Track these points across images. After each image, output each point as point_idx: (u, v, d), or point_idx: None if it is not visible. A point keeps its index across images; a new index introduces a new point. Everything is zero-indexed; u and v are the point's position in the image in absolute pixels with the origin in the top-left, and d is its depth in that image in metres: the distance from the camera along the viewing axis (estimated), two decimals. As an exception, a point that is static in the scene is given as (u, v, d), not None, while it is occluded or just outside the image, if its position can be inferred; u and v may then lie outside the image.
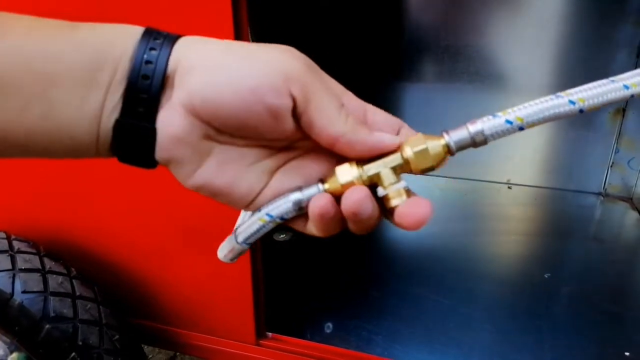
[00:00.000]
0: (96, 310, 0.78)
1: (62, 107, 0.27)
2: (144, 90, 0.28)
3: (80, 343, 0.74)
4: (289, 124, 0.29)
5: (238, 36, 0.65)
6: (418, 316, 0.96)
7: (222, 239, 0.82)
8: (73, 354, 0.73)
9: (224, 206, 0.68)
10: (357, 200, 0.28)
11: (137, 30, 0.28)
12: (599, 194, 1.46)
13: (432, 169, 0.31)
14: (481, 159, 1.51)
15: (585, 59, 1.34)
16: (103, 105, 0.28)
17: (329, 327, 0.93)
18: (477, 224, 1.33)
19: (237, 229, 0.33)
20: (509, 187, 1.50)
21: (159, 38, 0.28)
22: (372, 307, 0.91)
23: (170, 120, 0.28)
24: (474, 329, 0.93)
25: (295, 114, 0.28)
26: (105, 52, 0.27)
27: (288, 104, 0.28)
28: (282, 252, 1.15)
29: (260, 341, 0.87)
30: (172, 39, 0.29)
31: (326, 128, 0.28)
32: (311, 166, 0.31)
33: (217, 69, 0.27)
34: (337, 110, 0.29)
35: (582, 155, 1.43)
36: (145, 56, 0.28)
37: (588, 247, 1.23)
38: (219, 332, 0.90)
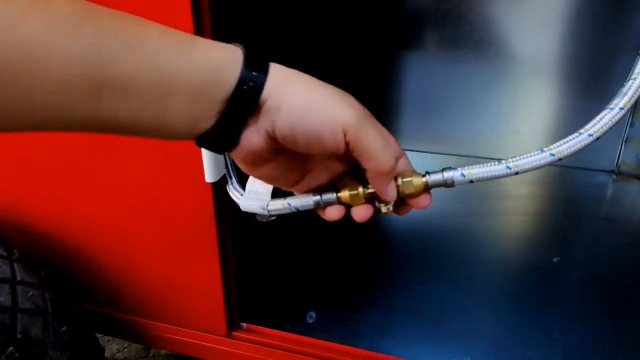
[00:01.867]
0: (40, 298, 0.68)
1: (172, 112, 0.34)
2: (239, 113, 0.36)
3: (20, 336, 0.64)
4: (337, 159, 0.42)
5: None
6: (412, 305, 0.86)
7: (189, 222, 0.71)
8: (10, 348, 0.63)
9: (191, 186, 0.64)
10: (363, 215, 0.42)
11: (240, 58, 0.36)
12: (612, 171, 1.35)
13: (413, 195, 0.42)
14: (484, 133, 1.40)
15: (598, 25, 1.22)
16: (202, 114, 0.35)
17: (311, 316, 0.83)
18: (479, 204, 1.23)
19: (268, 204, 0.47)
20: (514, 165, 1.40)
21: (255, 70, 0.36)
22: (361, 295, 0.81)
23: (253, 137, 0.37)
24: (474, 319, 0.83)
25: (347, 151, 0.38)
26: (215, 76, 0.35)
27: (342, 149, 0.37)
28: (258, 233, 1.04)
29: (233, 333, 0.78)
30: (265, 72, 0.36)
31: (369, 163, 0.39)
32: (322, 176, 0.43)
33: (297, 117, 0.36)
34: (381, 148, 0.38)
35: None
36: (244, 87, 0.35)
37: (600, 229, 1.13)
38: (187, 323, 0.80)
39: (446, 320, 0.83)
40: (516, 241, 1.09)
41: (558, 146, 0.41)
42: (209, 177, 0.63)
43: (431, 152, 1.45)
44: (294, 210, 0.45)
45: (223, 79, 0.35)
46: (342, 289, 0.90)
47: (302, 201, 0.44)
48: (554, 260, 0.98)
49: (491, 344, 0.78)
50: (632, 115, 1.28)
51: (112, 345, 1.24)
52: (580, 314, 0.85)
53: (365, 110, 0.39)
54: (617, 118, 0.42)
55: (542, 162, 0.41)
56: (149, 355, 1.22)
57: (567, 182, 1.33)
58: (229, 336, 0.77)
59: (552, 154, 0.41)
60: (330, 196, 0.43)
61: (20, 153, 0.73)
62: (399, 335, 0.80)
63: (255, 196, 0.49)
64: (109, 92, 0.31)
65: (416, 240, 1.04)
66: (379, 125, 0.39)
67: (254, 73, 0.35)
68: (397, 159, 0.40)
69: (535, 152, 0.41)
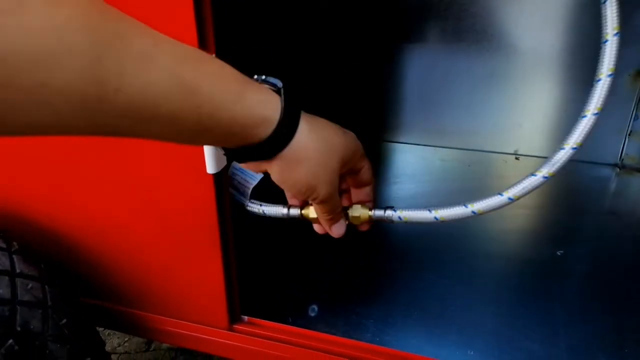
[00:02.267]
0: (40, 291, 0.68)
1: (202, 140, 0.45)
2: (253, 157, 0.46)
3: (19, 328, 0.63)
4: None
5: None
6: (414, 298, 0.85)
7: (190, 214, 0.72)
8: (10, 341, 0.63)
9: (192, 177, 0.65)
10: (319, 230, 0.60)
11: (274, 121, 0.43)
12: (615, 165, 1.34)
13: (358, 224, 0.59)
14: (486, 127, 1.39)
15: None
16: (225, 145, 0.45)
17: (313, 310, 0.82)
18: (481, 198, 1.21)
19: (247, 204, 0.63)
20: (517, 158, 1.39)
21: (281, 138, 0.44)
22: (363, 288, 0.80)
23: (252, 164, 0.47)
24: (477, 313, 0.82)
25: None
26: (249, 132, 0.42)
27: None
28: (261, 226, 1.04)
29: (234, 326, 0.77)
30: (289, 139, 0.45)
31: (318, 217, 0.56)
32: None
33: (289, 184, 0.49)
34: (328, 217, 0.55)
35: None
36: (266, 147, 0.44)
37: (603, 223, 1.12)
38: (188, 316, 0.79)
39: (448, 314, 0.82)
40: (519, 235, 1.08)
41: (479, 203, 0.54)
42: (210, 168, 0.62)
43: (433, 146, 1.44)
44: (266, 216, 0.61)
45: (255, 135, 0.42)
46: (345, 283, 0.89)
47: (274, 211, 0.60)
48: (558, 254, 0.97)
49: (494, 337, 0.78)
50: (636, 108, 1.27)
51: (113, 339, 1.24)
52: (584, 308, 0.84)
53: (336, 186, 0.51)
54: (536, 184, 0.55)
55: (463, 215, 0.56)
56: (150, 349, 1.22)
57: (569, 176, 1.31)
58: (230, 329, 0.77)
59: (473, 211, 0.55)
60: (295, 212, 0.58)
61: (20, 146, 0.72)
62: (400, 328, 0.79)
63: (237, 191, 0.62)
64: (156, 123, 0.35)
65: (417, 235, 1.04)
66: (338, 200, 0.54)
67: (280, 139, 0.44)
68: (335, 221, 0.56)
69: (459, 206, 0.55)
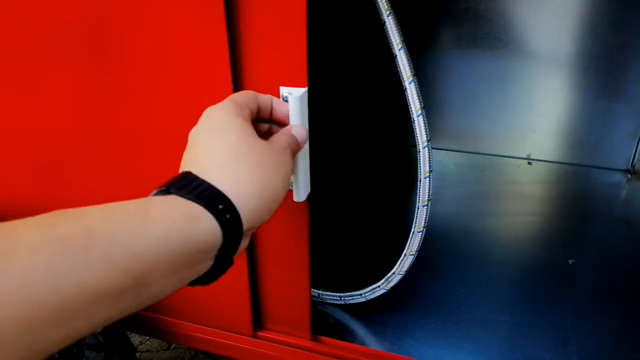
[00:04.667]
0: (76, 301, 0.71)
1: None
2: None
3: (58, 337, 0.67)
4: None
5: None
6: (430, 307, 0.88)
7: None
8: (50, 349, 0.66)
9: None
10: None
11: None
12: (627, 171, 1.35)
13: None
14: (499, 132, 1.40)
15: (617, 23, 1.22)
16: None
17: (333, 318, 0.85)
18: (494, 203, 1.24)
19: None
20: (529, 163, 1.40)
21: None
22: (380, 297, 0.83)
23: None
24: (491, 321, 0.85)
25: None
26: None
27: None
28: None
29: (258, 333, 0.80)
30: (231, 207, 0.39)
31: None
32: None
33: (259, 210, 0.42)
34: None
35: (609, 128, 1.33)
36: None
37: (614, 229, 1.14)
38: (213, 322, 0.83)
39: (464, 322, 0.85)
40: (532, 242, 1.10)
41: None
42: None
43: (446, 150, 1.46)
44: None
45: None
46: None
47: None
48: (570, 262, 1.00)
49: (508, 345, 0.80)
50: (649, 115, 1.29)
51: (134, 338, 1.28)
52: (597, 318, 0.86)
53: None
54: None
55: None
56: (171, 348, 1.26)
57: (580, 182, 1.33)
58: (254, 336, 0.80)
59: None
60: None
61: (59, 152, 0.75)
62: (417, 337, 0.82)
63: None
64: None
65: (431, 243, 1.06)
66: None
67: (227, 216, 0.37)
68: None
69: None
